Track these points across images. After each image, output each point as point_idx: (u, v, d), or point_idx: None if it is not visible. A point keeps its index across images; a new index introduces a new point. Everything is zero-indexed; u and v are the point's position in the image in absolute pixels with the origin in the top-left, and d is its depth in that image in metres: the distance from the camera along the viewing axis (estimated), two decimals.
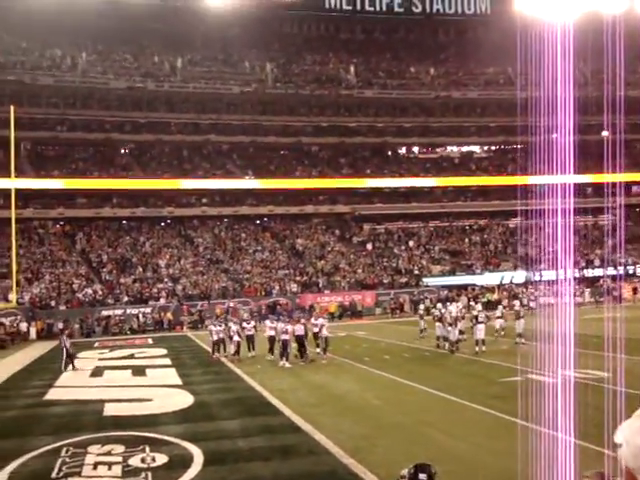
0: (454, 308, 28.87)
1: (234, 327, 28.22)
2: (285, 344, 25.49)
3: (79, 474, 11.70)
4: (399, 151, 76.01)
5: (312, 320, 28.52)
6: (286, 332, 25.60)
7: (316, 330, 26.82)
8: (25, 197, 53.49)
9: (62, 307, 47.64)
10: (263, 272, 56.12)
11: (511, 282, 56.41)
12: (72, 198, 60.38)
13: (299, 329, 26.26)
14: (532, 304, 41.22)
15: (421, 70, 75.28)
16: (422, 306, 36.98)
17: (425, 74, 74.90)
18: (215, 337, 28.34)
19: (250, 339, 28.05)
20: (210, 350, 29.14)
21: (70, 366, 26.54)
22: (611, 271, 59.24)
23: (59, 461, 12.49)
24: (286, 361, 25.13)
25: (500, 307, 32.94)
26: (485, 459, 11.32)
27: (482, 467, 10.83)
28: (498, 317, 31.07)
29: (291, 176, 66.31)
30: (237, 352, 27.33)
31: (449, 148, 76.34)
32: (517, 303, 32.69)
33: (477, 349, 25.68)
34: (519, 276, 57.80)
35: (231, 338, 27.81)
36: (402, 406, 16.44)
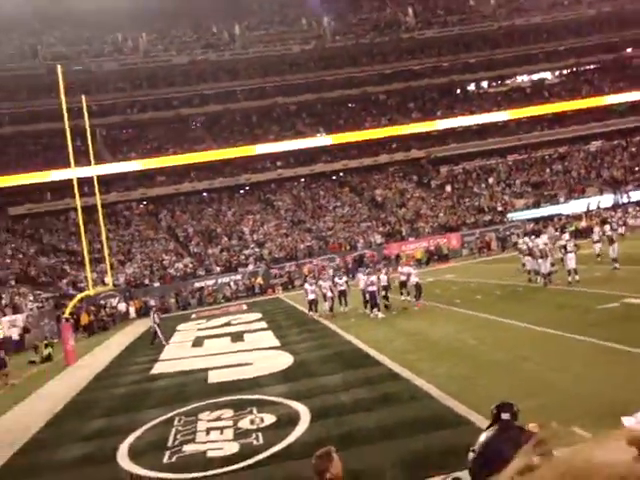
0: (541, 240, 28.42)
1: (325, 284, 28.59)
2: (373, 295, 25.71)
3: (193, 441, 12.17)
4: (468, 88, 74.55)
5: (398, 269, 28.59)
6: (372, 284, 25.77)
7: (403, 278, 26.86)
8: (107, 182, 54.94)
9: (156, 284, 49.07)
10: (345, 227, 56.34)
11: (598, 207, 54.96)
12: (151, 177, 61.76)
13: (382, 279, 26.39)
14: (621, 229, 39.87)
15: (481, 1, 73.24)
16: (521, 241, 34.67)
17: (485, 5, 72.85)
18: (311, 296, 28.67)
19: (342, 294, 28.30)
20: (306, 310, 29.51)
21: (158, 340, 27.62)
22: None
23: (173, 430, 13.01)
24: (378, 311, 25.35)
25: (597, 230, 31.99)
26: (585, 389, 11.24)
27: (582, 397, 10.77)
28: (596, 241, 30.55)
29: (361, 128, 65.99)
30: (331, 309, 27.79)
31: (519, 78, 74.36)
32: (607, 228, 31.77)
33: (570, 279, 25.22)
34: (606, 200, 56.29)
35: (324, 296, 28.19)
36: (498, 344, 16.40)
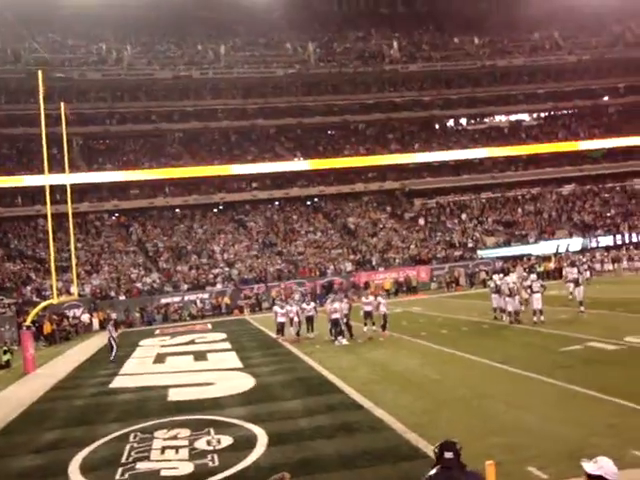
0: (510, 279, 28.58)
1: (293, 308, 28.45)
2: (336, 322, 25.75)
3: (148, 458, 11.97)
4: (447, 124, 75.32)
5: (362, 299, 28.50)
6: (335, 311, 25.79)
7: (368, 309, 26.71)
8: (80, 191, 54.48)
9: (122, 297, 48.60)
10: (317, 252, 56.36)
11: (567, 250, 55.63)
12: (125, 190, 61.41)
13: (344, 307, 26.39)
14: (587, 273, 40.27)
15: (465, 40, 74.29)
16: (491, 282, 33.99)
17: (469, 44, 73.90)
18: (281, 319, 28.43)
19: (310, 320, 28.11)
20: (274, 333, 29.23)
21: (113, 355, 27.09)
22: None
23: (128, 447, 12.79)
24: (342, 338, 25.37)
25: (569, 270, 32.35)
26: (546, 429, 11.25)
27: (542, 437, 10.78)
28: (568, 281, 30.93)
29: (339, 155, 66.31)
30: (297, 333, 27.67)
31: (497, 118, 75.32)
32: (574, 271, 32.08)
33: (535, 319, 25.38)
34: (575, 244, 56.97)
35: (291, 320, 28.06)
36: (462, 380, 16.40)
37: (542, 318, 25.23)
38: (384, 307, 26.67)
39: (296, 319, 27.86)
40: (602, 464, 4.63)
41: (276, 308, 29.58)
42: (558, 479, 8.66)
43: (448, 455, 5.75)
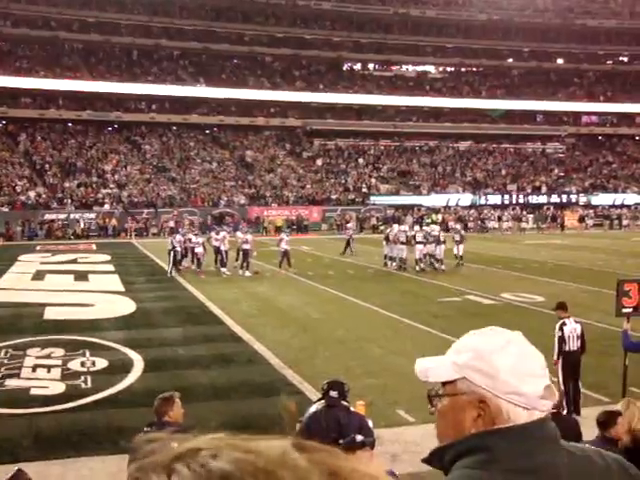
0: (404, 227, 29.12)
1: (178, 238, 27.65)
2: (246, 253, 25.90)
3: (18, 376, 11.71)
4: (354, 67, 75.10)
5: (238, 234, 28.06)
6: (246, 242, 25.87)
7: (246, 247, 26.34)
8: None
9: (4, 209, 46.69)
10: (211, 182, 55.66)
11: (457, 205, 57.16)
12: (16, 97, 58.42)
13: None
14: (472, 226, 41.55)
15: None
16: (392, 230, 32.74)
17: None
18: (178, 248, 26.97)
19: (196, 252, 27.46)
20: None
21: None
22: (555, 199, 60.35)
23: None
24: (225, 269, 25.81)
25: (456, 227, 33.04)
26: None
27: (419, 383, 11.08)
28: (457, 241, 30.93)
29: (243, 86, 65.16)
30: (179, 262, 26.94)
31: (404, 67, 75.68)
32: (459, 226, 32.97)
33: (417, 268, 26.20)
34: (465, 199, 58.54)
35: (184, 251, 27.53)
36: (343, 321, 16.70)
37: (422, 266, 26.23)
38: (285, 244, 26.84)
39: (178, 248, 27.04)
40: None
41: (178, 237, 28.18)
42: (424, 423, 8.96)
43: (333, 394, 5.85)
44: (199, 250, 27.02)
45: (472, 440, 1.44)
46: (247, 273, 25.49)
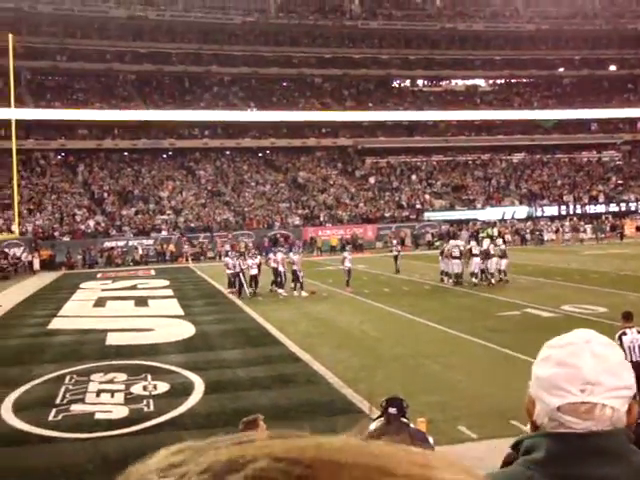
0: (456, 242, 28.97)
1: (233, 262, 27.91)
2: (279, 274, 26.18)
3: (82, 401, 11.93)
4: (403, 84, 75.15)
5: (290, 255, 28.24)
6: (294, 263, 26.21)
7: (294, 268, 26.39)
8: (26, 128, 53.23)
9: (65, 238, 47.80)
10: (265, 205, 56.11)
11: (513, 217, 56.46)
12: (73, 129, 60.02)
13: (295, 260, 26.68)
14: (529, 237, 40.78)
15: (427, 1, 73.86)
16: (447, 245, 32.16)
17: (431, 5, 73.57)
18: (230, 271, 27.47)
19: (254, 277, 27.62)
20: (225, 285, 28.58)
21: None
22: (614, 208, 59.23)
23: (63, 388, 12.72)
24: (281, 290, 26.01)
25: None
26: (478, 390, 11.50)
27: (475, 398, 11.02)
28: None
29: (294, 108, 65.73)
30: (240, 285, 27.08)
31: (454, 81, 75.46)
32: (500, 241, 32.23)
33: (475, 281, 25.98)
34: (521, 212, 57.83)
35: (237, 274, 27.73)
36: (401, 338, 16.62)
37: (475, 280, 26.02)
38: (349, 262, 26.89)
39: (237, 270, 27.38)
40: None
41: (227, 259, 28.97)
42: (487, 438, 8.87)
43: (392, 410, 5.85)
44: (254, 272, 27.13)
45: (534, 438, 1.47)
46: (303, 293, 25.57)
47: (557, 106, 70.21)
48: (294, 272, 25.99)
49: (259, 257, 28.97)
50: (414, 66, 72.01)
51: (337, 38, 70.19)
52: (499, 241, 29.14)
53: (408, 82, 75.18)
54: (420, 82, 75.27)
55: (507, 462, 1.54)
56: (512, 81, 75.72)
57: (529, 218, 56.58)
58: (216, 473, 0.62)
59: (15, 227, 35.23)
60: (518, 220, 55.78)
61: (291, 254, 28.07)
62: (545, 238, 50.59)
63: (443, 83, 75.10)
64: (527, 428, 1.64)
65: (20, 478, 8.62)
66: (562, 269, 30.67)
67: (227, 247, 44.09)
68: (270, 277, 27.02)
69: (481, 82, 76.14)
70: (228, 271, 27.60)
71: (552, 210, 58.62)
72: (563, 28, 71.62)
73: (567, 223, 53.70)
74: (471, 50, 72.59)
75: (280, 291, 25.96)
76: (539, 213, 58.01)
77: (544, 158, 68.25)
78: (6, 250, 42.96)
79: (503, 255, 27.27)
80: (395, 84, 74.67)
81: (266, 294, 26.29)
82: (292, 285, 26.25)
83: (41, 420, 10.81)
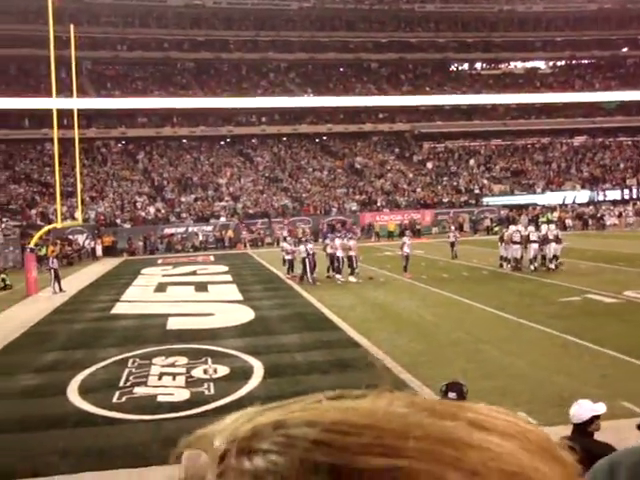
0: (518, 227, 28.58)
1: (289, 247, 28.21)
2: (337, 260, 26.11)
3: (145, 384, 12.19)
4: (461, 67, 74.30)
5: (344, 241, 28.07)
6: (350, 248, 26.06)
7: (351, 253, 26.43)
8: (87, 117, 54.20)
9: (126, 225, 48.69)
10: (322, 191, 56.20)
11: (574, 202, 55.43)
12: (133, 118, 61.01)
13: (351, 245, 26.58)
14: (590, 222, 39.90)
15: None
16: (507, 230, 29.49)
17: None
18: (289, 256, 27.90)
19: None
20: (284, 270, 28.78)
21: (57, 287, 26.53)
22: None
23: (126, 371, 13.01)
24: (339, 275, 25.90)
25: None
26: (537, 376, 11.38)
27: (534, 383, 10.92)
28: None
29: (350, 93, 65.59)
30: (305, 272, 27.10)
31: (512, 64, 74.28)
32: (553, 226, 31.42)
33: (532, 267, 25.65)
34: (582, 196, 56.74)
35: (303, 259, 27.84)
36: (459, 323, 16.52)
37: (533, 266, 25.56)
38: (408, 248, 26.75)
39: (288, 257, 27.65)
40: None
41: (284, 245, 29.30)
42: (547, 424, 8.78)
43: (452, 395, 5.85)
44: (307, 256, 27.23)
45: None
46: (352, 279, 25.51)
47: (620, 87, 68.53)
48: (349, 258, 26.01)
49: (312, 243, 29.05)
50: (472, 49, 71.12)
51: (393, 22, 69.67)
52: (552, 226, 28.50)
53: (466, 65, 74.31)
54: (478, 65, 74.32)
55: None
56: (573, 62, 74.20)
57: (591, 202, 55.48)
58: (289, 427, 0.56)
59: (78, 214, 35.95)
60: (579, 205, 54.78)
61: (346, 240, 28.02)
62: (607, 223, 49.60)
63: (502, 66, 73.95)
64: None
65: (86, 457, 8.86)
66: (624, 254, 30.02)
67: (285, 233, 44.35)
68: (325, 263, 27.12)
69: (541, 64, 74.77)
70: (287, 256, 27.91)
71: (614, 194, 57.37)
72: (626, 7, 69.75)
73: (630, 207, 52.55)
74: (530, 32, 71.26)
75: (338, 276, 26.02)
76: (601, 197, 56.85)
77: (606, 141, 66.77)
78: (70, 237, 43.99)
79: (557, 240, 26.79)
80: (453, 68, 73.89)
81: (323, 279, 26.38)
82: (348, 271, 26.30)
83: (106, 402, 11.08)
